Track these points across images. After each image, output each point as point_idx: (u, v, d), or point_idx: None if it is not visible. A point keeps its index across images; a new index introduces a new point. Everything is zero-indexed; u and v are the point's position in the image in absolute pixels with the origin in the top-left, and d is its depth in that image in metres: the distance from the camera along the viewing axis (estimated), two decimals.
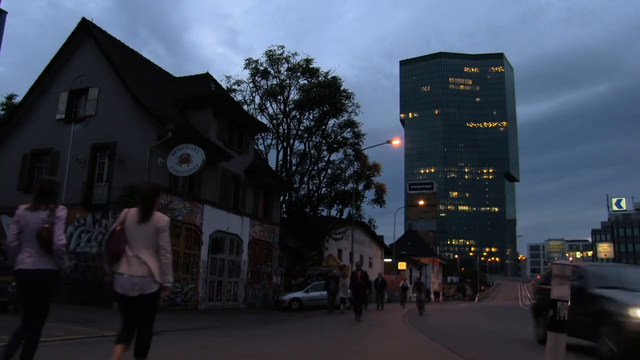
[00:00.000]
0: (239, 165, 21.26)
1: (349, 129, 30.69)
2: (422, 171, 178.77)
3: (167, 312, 15.03)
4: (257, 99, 30.53)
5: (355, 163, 31.21)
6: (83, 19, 18.52)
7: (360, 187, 31.27)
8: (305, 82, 30.34)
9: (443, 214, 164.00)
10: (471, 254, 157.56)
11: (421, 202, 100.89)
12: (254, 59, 30.29)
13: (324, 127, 30.74)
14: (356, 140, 30.89)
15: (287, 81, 30.17)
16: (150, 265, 3.87)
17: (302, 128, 30.56)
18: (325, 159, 31.40)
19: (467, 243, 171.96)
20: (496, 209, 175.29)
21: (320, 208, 31.40)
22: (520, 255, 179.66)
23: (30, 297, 3.91)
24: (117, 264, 3.88)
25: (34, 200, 4.00)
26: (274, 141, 30.55)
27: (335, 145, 31.01)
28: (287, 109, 30.14)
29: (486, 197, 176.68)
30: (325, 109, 29.75)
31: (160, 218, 4.01)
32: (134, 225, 3.93)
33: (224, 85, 27.98)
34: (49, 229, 3.84)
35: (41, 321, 3.95)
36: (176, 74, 24.78)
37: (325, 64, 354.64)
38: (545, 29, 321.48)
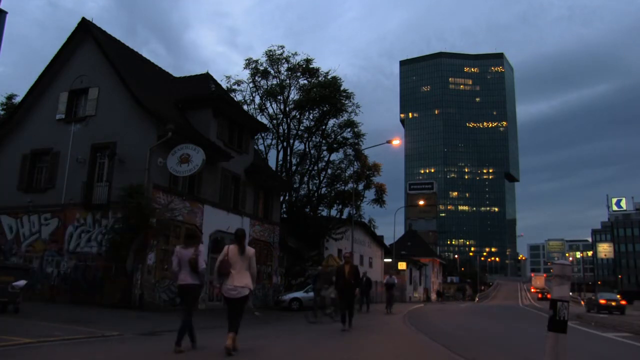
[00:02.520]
0: (239, 165, 21.26)
1: (349, 129, 30.69)
2: (422, 171, 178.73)
3: (167, 312, 15.03)
4: (257, 99, 30.56)
5: (355, 163, 31.20)
6: (83, 18, 18.51)
7: (360, 187, 31.27)
8: (305, 82, 30.34)
9: (443, 214, 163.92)
10: (471, 254, 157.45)
11: (421, 202, 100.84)
12: (254, 59, 30.32)
13: (324, 127, 30.74)
14: (356, 140, 30.89)
15: (287, 81, 30.16)
16: (246, 280, 6.38)
17: (302, 128, 30.56)
18: (325, 159, 31.43)
19: (467, 243, 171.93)
20: (496, 209, 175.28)
21: (320, 208, 31.39)
22: (520, 255, 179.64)
23: (187, 300, 6.63)
24: (225, 279, 6.35)
25: (185, 242, 6.80)
26: (274, 141, 30.57)
27: (335, 145, 31.01)
28: (287, 109, 30.13)
29: (486, 197, 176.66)
30: (325, 109, 29.75)
31: (250, 250, 6.56)
32: (235, 256, 6.40)
33: (224, 85, 28.01)
34: (195, 259, 6.42)
35: (191, 313, 6.54)
36: (176, 73, 24.80)
37: (325, 63, 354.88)
38: (546, 27, 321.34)
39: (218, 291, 6.92)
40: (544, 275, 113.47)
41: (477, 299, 71.43)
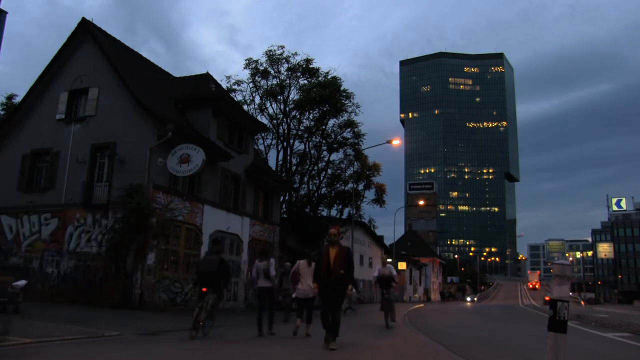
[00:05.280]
0: (239, 165, 21.25)
1: (349, 129, 30.66)
2: (422, 171, 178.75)
3: (167, 312, 15.04)
4: (257, 99, 30.54)
5: (355, 163, 31.19)
6: (83, 18, 18.50)
7: (360, 187, 31.27)
8: (305, 82, 30.30)
9: (443, 214, 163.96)
10: (471, 254, 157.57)
11: (421, 202, 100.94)
12: (254, 59, 30.30)
13: (324, 127, 30.72)
14: (356, 140, 30.87)
15: (287, 81, 30.15)
16: (312, 285, 8.17)
17: (302, 128, 30.54)
18: (325, 159, 31.40)
19: (467, 243, 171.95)
20: (496, 209, 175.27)
21: (320, 208, 31.38)
22: (520, 255, 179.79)
23: (266, 298, 9.46)
24: (296, 285, 9.21)
25: (259, 257, 9.81)
26: (274, 141, 30.55)
27: (335, 145, 30.99)
28: (287, 109, 30.12)
29: (486, 197, 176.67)
30: (325, 109, 29.72)
31: (314, 264, 8.30)
32: (304, 268, 9.25)
33: (224, 85, 27.99)
34: (267, 268, 9.30)
35: (272, 307, 9.55)
36: (176, 72, 24.80)
37: (325, 62, 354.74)
38: (547, 26, 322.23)
39: (290, 292, 10.95)
40: (538, 272, 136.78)
41: (476, 299, 70.73)
